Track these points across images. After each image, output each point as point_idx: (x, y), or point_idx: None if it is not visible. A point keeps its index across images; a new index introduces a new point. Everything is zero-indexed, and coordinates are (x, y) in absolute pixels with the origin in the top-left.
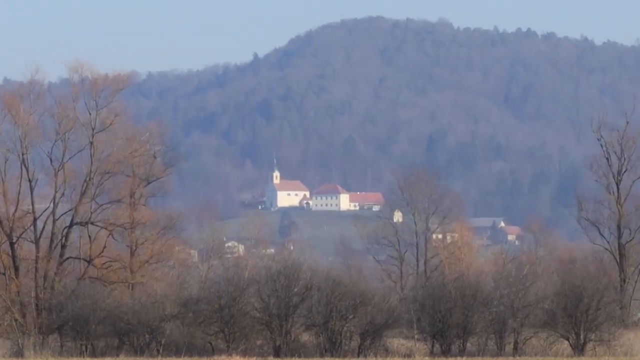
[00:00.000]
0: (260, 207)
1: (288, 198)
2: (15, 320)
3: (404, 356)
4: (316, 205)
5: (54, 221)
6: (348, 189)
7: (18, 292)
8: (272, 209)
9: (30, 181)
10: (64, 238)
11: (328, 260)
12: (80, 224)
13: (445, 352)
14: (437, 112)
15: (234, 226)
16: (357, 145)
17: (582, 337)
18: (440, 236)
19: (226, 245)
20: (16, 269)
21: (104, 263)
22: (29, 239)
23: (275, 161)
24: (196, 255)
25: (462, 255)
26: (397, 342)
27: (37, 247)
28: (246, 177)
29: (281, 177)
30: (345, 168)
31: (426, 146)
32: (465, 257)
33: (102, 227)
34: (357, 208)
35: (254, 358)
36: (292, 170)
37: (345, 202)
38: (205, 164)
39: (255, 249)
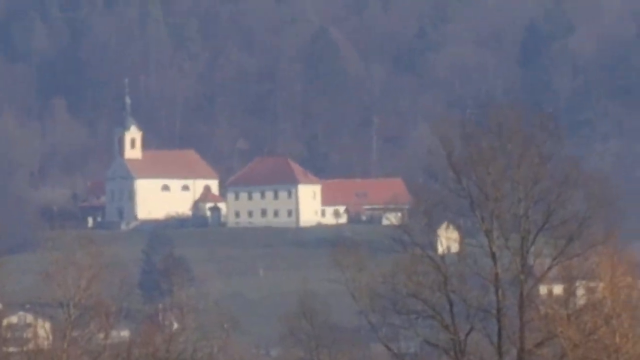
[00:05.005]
0: (92, 222)
1: (164, 197)
2: None
3: None
4: (238, 212)
5: None
6: (318, 169)
7: None
8: (125, 226)
9: None
10: None
11: (269, 356)
12: None
13: None
14: None
15: (28, 273)
16: (339, 53)
17: None
18: (558, 288)
19: (7, 320)
20: None
21: None
22: None
23: (128, 103)
24: None
25: (619, 337)
26: None
27: None
28: (54, 146)
29: (144, 143)
30: (307, 113)
31: (517, 55)
32: (625, 341)
33: None
34: (344, 219)
35: None
36: (171, 121)
37: (309, 202)
38: None
39: (82, 330)
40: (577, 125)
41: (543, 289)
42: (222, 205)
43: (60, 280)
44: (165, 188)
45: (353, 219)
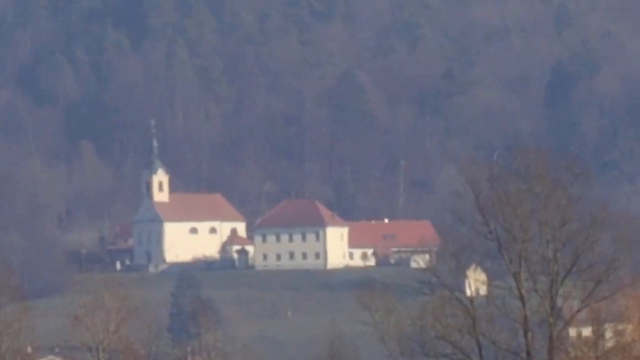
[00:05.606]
0: (120, 266)
1: (192, 240)
2: None
3: None
4: (265, 255)
5: None
6: (346, 212)
7: None
8: (153, 269)
9: None
10: None
11: None
12: None
13: None
14: None
15: (56, 317)
16: (365, 96)
17: None
18: (587, 331)
19: None
20: None
21: None
22: None
23: (155, 145)
24: None
25: None
26: None
27: None
28: (81, 189)
29: (172, 186)
30: (334, 156)
31: (544, 97)
32: None
33: None
34: (372, 262)
35: None
36: (198, 163)
37: (337, 245)
38: None
39: None
40: (604, 166)
41: (572, 332)
42: (249, 248)
43: (89, 324)
44: (193, 231)
45: (381, 261)
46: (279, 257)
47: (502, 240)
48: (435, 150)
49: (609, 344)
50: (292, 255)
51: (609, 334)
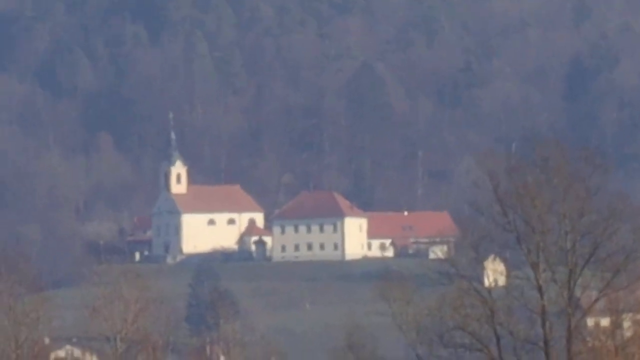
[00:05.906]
0: (139, 257)
1: (210, 231)
2: None
3: None
4: (284, 246)
5: None
6: (364, 203)
7: None
8: (171, 260)
9: None
10: None
11: None
12: None
13: None
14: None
15: (75, 308)
16: (384, 88)
17: None
18: (605, 321)
19: (55, 354)
20: None
21: None
22: None
23: (173, 138)
24: None
25: None
26: None
27: None
28: (100, 181)
29: (191, 179)
30: (353, 147)
31: (562, 89)
32: None
33: None
34: (391, 253)
35: None
36: (217, 155)
37: (356, 235)
38: None
39: None
40: (623, 158)
41: (590, 322)
42: (267, 239)
43: (107, 314)
44: (211, 222)
45: (399, 252)
46: (297, 248)
47: (521, 231)
48: (453, 142)
49: (627, 333)
50: (310, 247)
51: (627, 324)
